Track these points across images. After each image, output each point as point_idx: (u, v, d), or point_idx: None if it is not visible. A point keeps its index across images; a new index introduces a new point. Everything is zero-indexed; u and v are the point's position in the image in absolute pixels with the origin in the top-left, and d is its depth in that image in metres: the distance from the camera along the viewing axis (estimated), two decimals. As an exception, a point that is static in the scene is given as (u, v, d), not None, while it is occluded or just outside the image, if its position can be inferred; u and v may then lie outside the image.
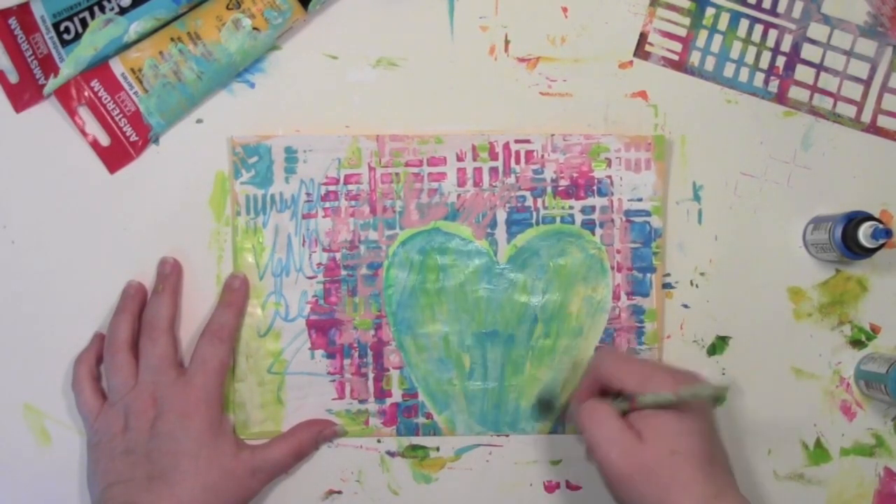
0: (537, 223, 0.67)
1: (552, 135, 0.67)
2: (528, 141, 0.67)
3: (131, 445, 0.61)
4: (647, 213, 0.67)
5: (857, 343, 0.68)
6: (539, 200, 0.67)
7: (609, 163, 0.67)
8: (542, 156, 0.67)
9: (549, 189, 0.67)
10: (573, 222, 0.67)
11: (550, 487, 0.67)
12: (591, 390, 0.61)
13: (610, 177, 0.67)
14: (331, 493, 0.67)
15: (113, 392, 0.63)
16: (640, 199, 0.67)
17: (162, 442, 0.60)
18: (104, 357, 0.64)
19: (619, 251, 0.67)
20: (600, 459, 0.56)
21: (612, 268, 0.67)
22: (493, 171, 0.67)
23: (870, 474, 0.67)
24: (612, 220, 0.67)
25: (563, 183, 0.67)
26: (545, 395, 0.66)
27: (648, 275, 0.67)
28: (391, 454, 0.67)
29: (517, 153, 0.67)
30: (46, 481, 0.66)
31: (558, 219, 0.67)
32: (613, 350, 0.65)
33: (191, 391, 0.61)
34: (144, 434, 0.61)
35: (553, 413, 0.66)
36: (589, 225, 0.67)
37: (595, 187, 0.67)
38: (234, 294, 0.65)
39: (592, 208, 0.67)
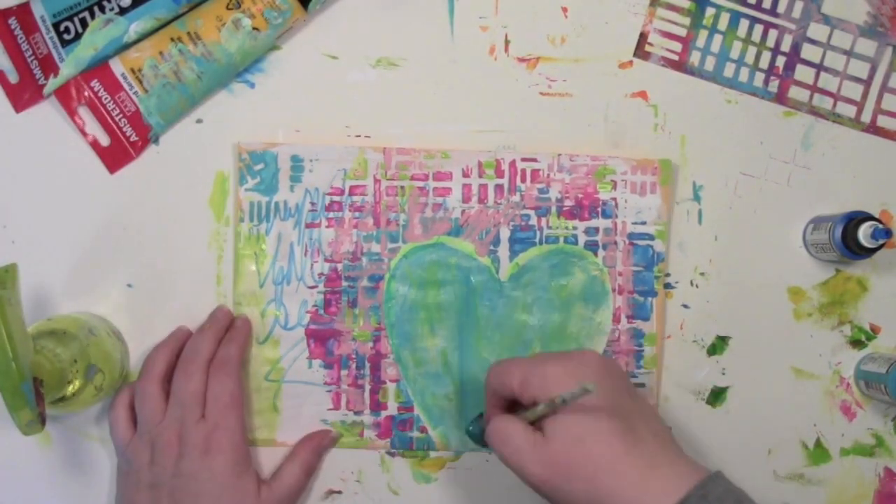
0: (540, 242, 0.67)
1: (559, 154, 0.67)
2: (534, 160, 0.67)
3: (156, 480, 0.61)
4: (651, 237, 0.67)
5: (857, 343, 0.68)
6: (543, 220, 0.67)
7: (615, 185, 0.67)
8: (548, 175, 0.67)
9: (553, 209, 0.67)
10: (576, 243, 0.67)
11: (550, 487, 0.67)
12: (495, 406, 0.59)
13: (615, 199, 0.67)
14: (331, 493, 0.67)
15: (141, 423, 0.62)
16: (644, 223, 0.67)
17: (185, 482, 0.60)
18: (136, 386, 0.64)
19: (621, 273, 0.67)
20: (517, 472, 0.55)
21: (614, 290, 0.67)
22: (499, 188, 0.67)
23: (870, 474, 0.67)
24: (616, 243, 0.67)
25: (568, 203, 0.67)
26: (477, 420, 0.63)
27: (649, 298, 0.67)
28: (391, 454, 0.67)
29: (523, 171, 0.67)
30: (46, 481, 0.66)
31: (562, 239, 0.67)
32: (499, 361, 0.60)
33: (212, 430, 0.61)
34: (169, 470, 0.60)
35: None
36: (592, 246, 0.67)
37: (599, 209, 0.67)
38: (236, 331, 0.65)
39: (596, 230, 0.67)
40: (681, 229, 0.68)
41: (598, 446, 0.52)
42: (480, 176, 0.67)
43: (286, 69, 0.67)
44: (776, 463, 0.67)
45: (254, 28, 0.64)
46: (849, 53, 0.68)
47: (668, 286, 0.67)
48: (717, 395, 0.67)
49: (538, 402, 0.55)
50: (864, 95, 0.68)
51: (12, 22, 0.66)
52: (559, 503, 0.54)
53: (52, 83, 0.65)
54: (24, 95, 0.66)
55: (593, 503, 0.53)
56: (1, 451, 0.66)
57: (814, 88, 0.68)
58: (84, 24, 0.65)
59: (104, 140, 0.66)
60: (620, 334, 0.66)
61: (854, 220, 0.63)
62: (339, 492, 0.67)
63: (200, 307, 0.66)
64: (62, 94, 0.65)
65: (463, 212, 0.67)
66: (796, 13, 0.68)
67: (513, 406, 0.59)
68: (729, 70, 0.68)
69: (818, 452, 0.67)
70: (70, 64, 0.64)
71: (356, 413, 0.66)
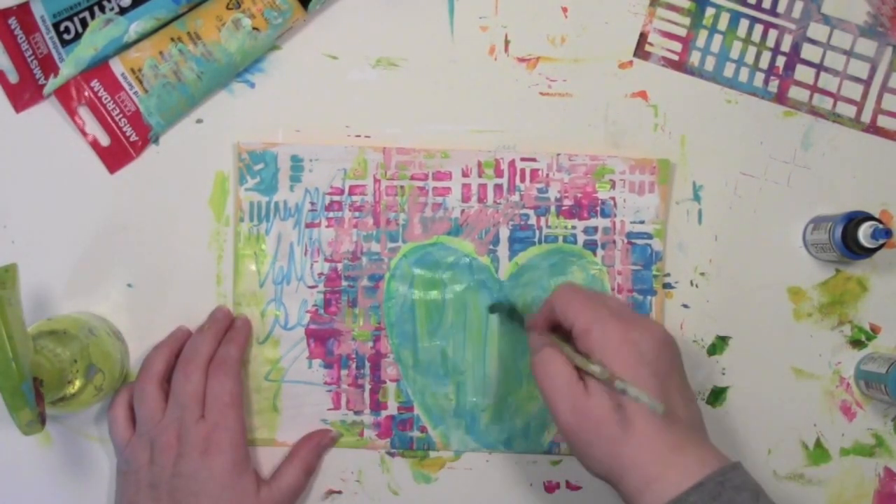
0: (540, 242, 0.67)
1: (557, 154, 0.67)
2: (533, 160, 0.67)
3: (155, 480, 0.61)
4: (650, 236, 0.67)
5: (857, 343, 0.68)
6: (542, 219, 0.67)
7: (613, 184, 0.67)
8: (547, 175, 0.67)
9: (552, 208, 0.67)
10: (575, 242, 0.67)
11: (550, 487, 0.67)
12: (545, 320, 0.59)
13: (613, 198, 0.67)
14: (331, 493, 0.67)
15: (140, 423, 0.63)
16: (642, 222, 0.67)
17: (184, 482, 0.60)
18: (135, 386, 0.64)
19: (619, 273, 0.67)
20: (552, 413, 0.55)
21: (613, 289, 0.66)
22: (498, 188, 0.67)
23: (870, 474, 0.67)
24: (614, 242, 0.67)
25: (567, 203, 0.67)
26: (505, 305, 0.65)
27: (648, 297, 0.67)
28: (391, 454, 0.67)
29: (522, 171, 0.67)
30: (46, 481, 0.66)
31: (561, 238, 0.67)
32: (572, 286, 0.61)
33: (211, 430, 0.61)
34: (168, 470, 0.60)
35: (516, 323, 0.64)
36: (591, 245, 0.67)
37: (598, 208, 0.67)
38: (236, 331, 0.65)
39: (595, 229, 0.67)
40: (681, 229, 0.68)
41: (635, 419, 0.53)
42: (480, 175, 0.67)
43: (286, 69, 0.67)
44: (776, 463, 0.67)
45: (254, 28, 0.64)
46: (849, 53, 0.68)
47: (667, 286, 0.67)
48: (717, 395, 0.67)
49: (591, 355, 0.54)
50: (864, 95, 0.68)
51: (12, 22, 0.66)
52: (579, 453, 0.55)
53: (52, 83, 0.65)
54: (24, 95, 0.66)
55: (611, 467, 0.54)
56: (1, 451, 0.66)
57: (814, 88, 0.68)
58: (84, 24, 0.65)
59: (104, 140, 0.66)
60: None
61: (854, 220, 0.63)
62: (339, 492, 0.67)
63: (200, 307, 0.66)
64: (62, 94, 0.65)
65: (462, 211, 0.67)
66: (796, 13, 0.68)
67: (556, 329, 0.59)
68: (729, 70, 0.68)
69: (818, 452, 0.67)
70: (70, 64, 0.64)
71: (356, 413, 0.66)
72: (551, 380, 0.55)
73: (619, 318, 0.55)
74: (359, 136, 0.67)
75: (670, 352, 0.56)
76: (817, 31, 0.68)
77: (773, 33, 0.68)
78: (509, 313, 0.65)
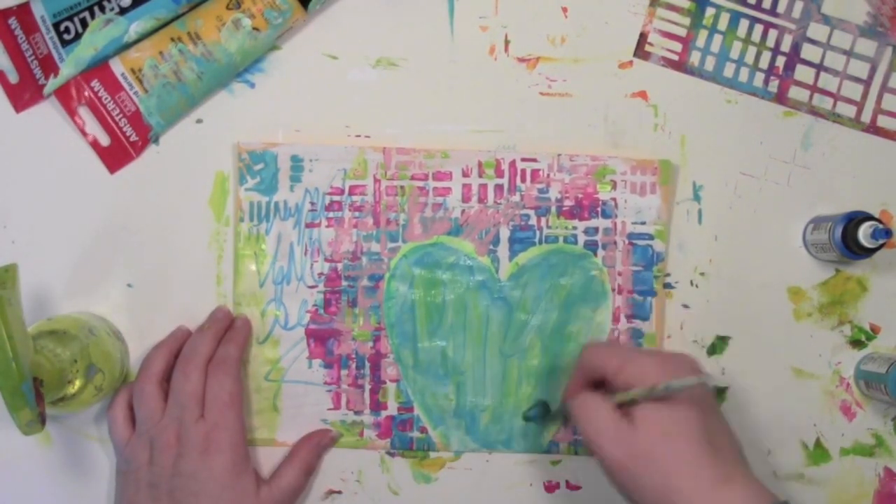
0: (540, 242, 0.67)
1: (558, 154, 0.67)
2: (534, 160, 0.67)
3: (155, 480, 0.61)
4: (651, 237, 0.67)
5: (857, 343, 0.68)
6: (543, 219, 0.67)
7: (614, 185, 0.67)
8: (548, 175, 0.67)
9: (553, 208, 0.67)
10: (576, 243, 0.67)
11: (550, 487, 0.67)
12: (580, 383, 0.60)
13: (615, 199, 0.67)
14: (331, 493, 0.67)
15: (140, 422, 0.62)
16: (643, 223, 0.67)
17: (184, 482, 0.60)
18: (134, 386, 0.63)
19: (620, 273, 0.67)
20: (596, 451, 0.55)
21: (613, 290, 0.67)
22: (499, 188, 0.67)
23: (870, 474, 0.67)
24: (615, 243, 0.67)
25: (568, 203, 0.67)
26: (538, 406, 0.66)
27: (649, 298, 0.66)
28: (391, 454, 0.67)
29: (523, 171, 0.67)
30: (46, 481, 0.66)
31: (561, 238, 0.67)
32: (598, 340, 0.64)
33: (211, 429, 0.61)
34: (168, 470, 0.60)
35: (553, 419, 0.66)
36: (592, 246, 0.67)
37: (599, 209, 0.67)
38: (235, 331, 0.65)
39: (596, 230, 0.67)
40: (681, 229, 0.68)
41: (685, 445, 0.53)
42: (480, 176, 0.67)
43: (286, 69, 0.67)
44: (776, 463, 0.67)
45: (254, 28, 0.64)
46: (849, 53, 0.68)
47: (667, 286, 0.67)
48: (716, 396, 0.67)
49: (630, 388, 0.55)
50: (864, 95, 0.68)
51: (12, 22, 0.66)
52: (627, 490, 0.55)
53: (52, 83, 0.65)
54: (24, 95, 0.66)
55: (660, 500, 0.53)
56: (1, 451, 0.66)
57: (814, 88, 0.68)
58: (84, 24, 0.65)
59: (104, 140, 0.66)
60: (620, 334, 0.66)
61: (854, 220, 0.63)
62: (339, 492, 0.67)
63: (200, 307, 0.66)
64: (62, 94, 0.65)
65: (463, 211, 0.67)
66: (796, 13, 0.68)
67: (595, 389, 0.59)
68: (729, 70, 0.68)
69: (818, 452, 0.67)
70: (70, 64, 0.64)
71: (356, 413, 0.66)
72: (594, 420, 0.55)
73: (650, 354, 0.57)
74: (359, 136, 0.67)
75: (706, 387, 0.57)
76: (817, 31, 0.68)
77: (773, 33, 0.68)
78: (543, 411, 0.66)
